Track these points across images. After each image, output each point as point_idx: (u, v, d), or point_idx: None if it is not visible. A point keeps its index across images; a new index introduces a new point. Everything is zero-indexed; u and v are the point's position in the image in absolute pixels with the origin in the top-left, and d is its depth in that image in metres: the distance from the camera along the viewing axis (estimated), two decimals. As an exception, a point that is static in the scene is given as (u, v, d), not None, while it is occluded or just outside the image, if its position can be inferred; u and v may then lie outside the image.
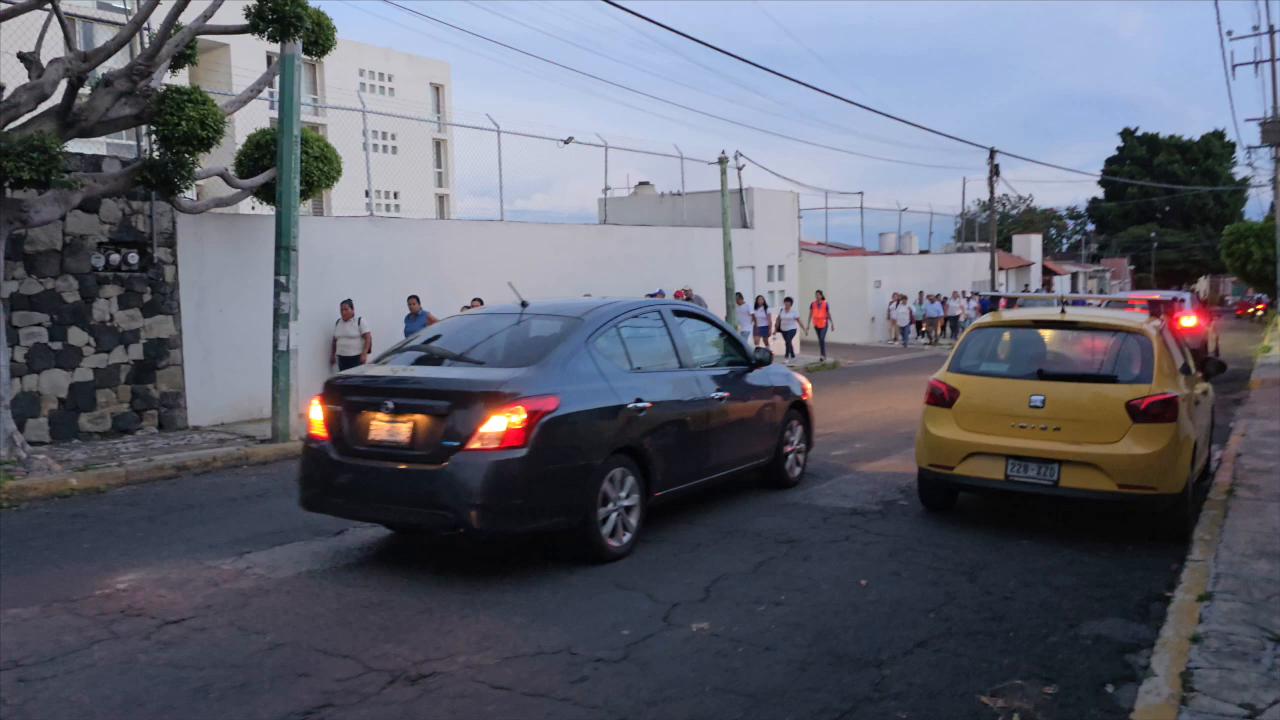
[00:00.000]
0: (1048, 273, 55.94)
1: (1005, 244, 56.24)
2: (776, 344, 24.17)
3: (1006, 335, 7.98)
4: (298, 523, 7.92)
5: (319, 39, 11.92)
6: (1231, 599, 5.44)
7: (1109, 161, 79.72)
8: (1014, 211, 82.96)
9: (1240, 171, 74.23)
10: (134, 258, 12.46)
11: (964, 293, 36.44)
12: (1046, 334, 7.82)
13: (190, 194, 13.38)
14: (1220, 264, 58.16)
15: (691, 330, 8.38)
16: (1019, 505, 8.13)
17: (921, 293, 34.40)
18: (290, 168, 11.88)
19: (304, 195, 13.04)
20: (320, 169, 12.87)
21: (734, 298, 21.99)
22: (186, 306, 13.06)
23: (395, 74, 52.04)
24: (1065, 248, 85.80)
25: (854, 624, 5.41)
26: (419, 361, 7.37)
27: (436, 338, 7.75)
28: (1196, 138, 76.50)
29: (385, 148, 50.75)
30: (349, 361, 14.37)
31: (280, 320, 11.97)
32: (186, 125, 9.91)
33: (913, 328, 32.44)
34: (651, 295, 17.98)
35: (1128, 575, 6.40)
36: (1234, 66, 30.01)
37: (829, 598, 5.89)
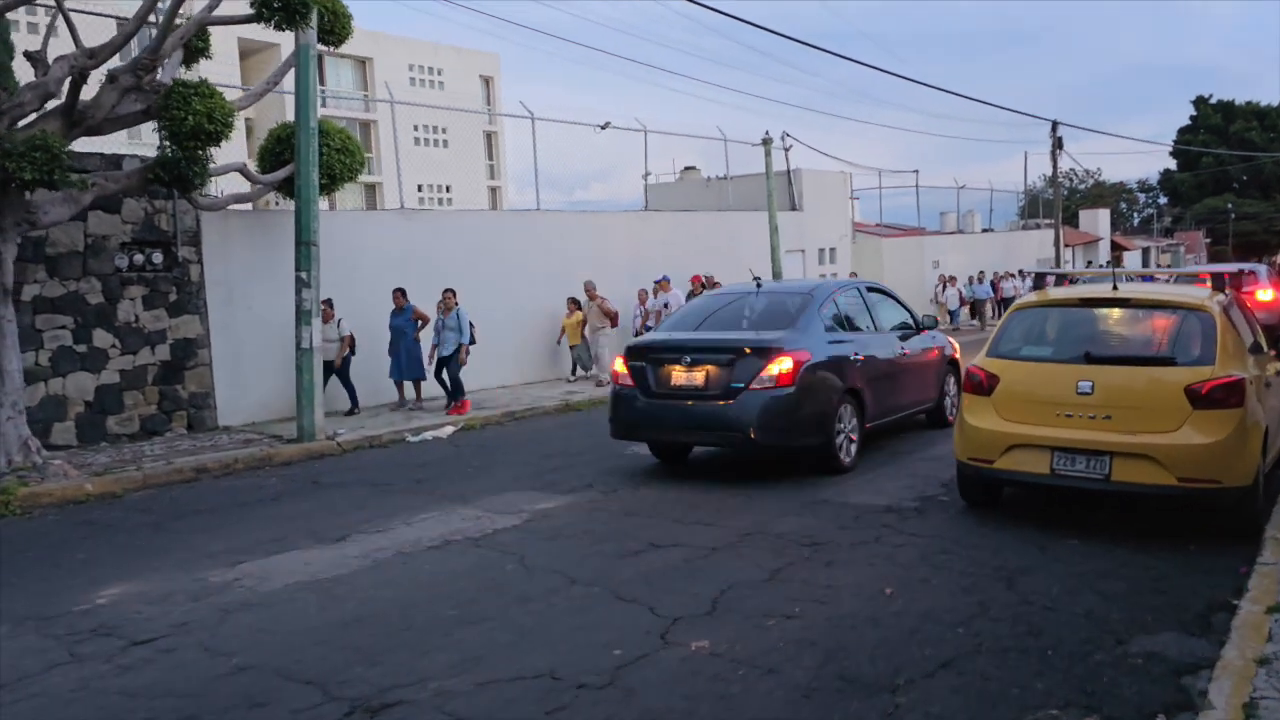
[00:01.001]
0: (1116, 248, 53.92)
1: (1072, 220, 54.40)
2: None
3: (1051, 315, 7.30)
4: (302, 528, 7.61)
5: (334, 28, 11.60)
6: (1305, 611, 4.78)
7: (1181, 131, 76.65)
8: (1082, 186, 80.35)
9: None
10: (158, 257, 12.32)
11: (1017, 272, 34.73)
12: (1096, 313, 7.13)
13: (214, 190, 13.20)
14: (1303, 234, 55.69)
15: (877, 300, 10.68)
16: (1069, 500, 7.46)
17: (975, 274, 33.15)
18: (308, 161, 11.59)
19: (327, 189, 12.77)
20: (342, 161, 12.56)
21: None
22: (214, 305, 12.90)
23: (445, 67, 52.07)
24: (1137, 222, 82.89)
25: (872, 641, 4.88)
26: (698, 328, 9.52)
27: (699, 309, 10.22)
28: (1275, 103, 73.16)
29: (436, 141, 50.92)
30: (329, 365, 13.01)
31: (302, 317, 11.72)
32: (194, 119, 9.65)
33: (965, 310, 31.30)
34: (658, 281, 17.47)
35: (1188, 580, 5.75)
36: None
37: (848, 609, 5.35)
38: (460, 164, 49.90)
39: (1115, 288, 7.18)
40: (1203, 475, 6.22)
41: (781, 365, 8.42)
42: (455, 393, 13.80)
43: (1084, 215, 53.35)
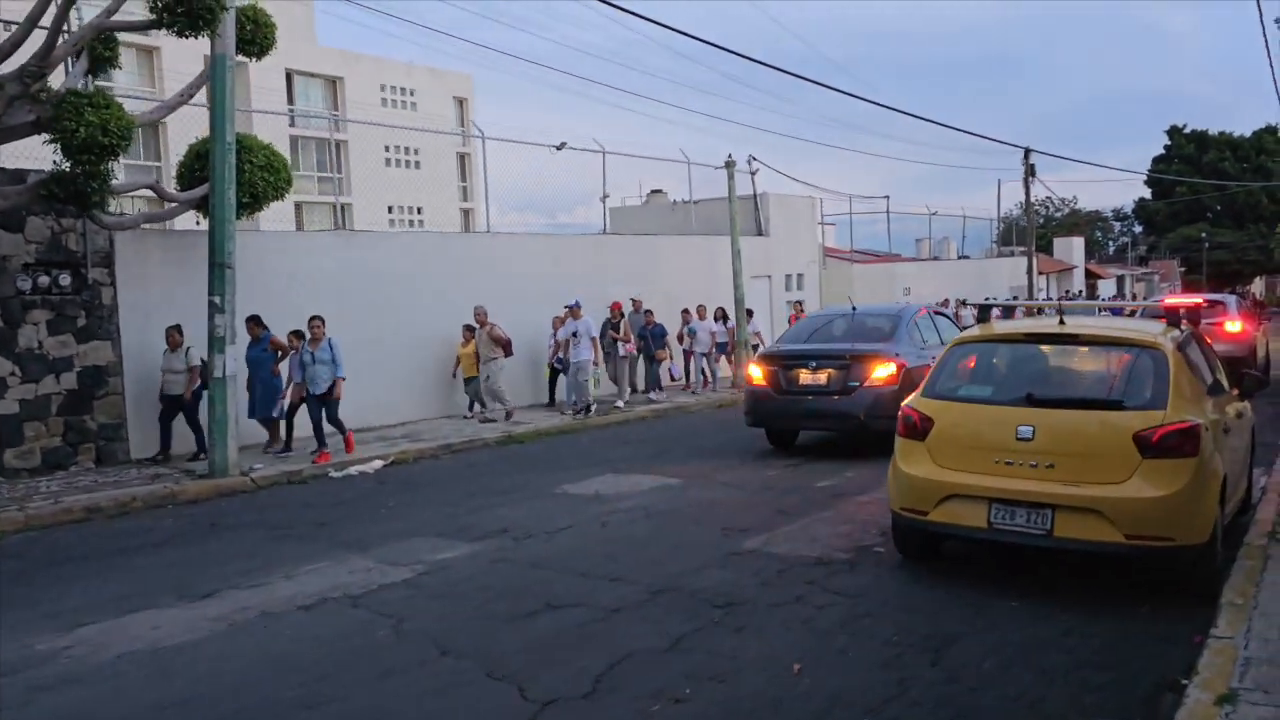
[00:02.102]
0: (1091, 276, 53.85)
1: (1046, 248, 54.24)
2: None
3: (993, 352, 6.69)
4: (172, 581, 6.88)
5: (255, 38, 10.96)
6: (1263, 702, 4.15)
7: (1156, 160, 76.93)
8: (1058, 214, 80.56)
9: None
10: (65, 279, 11.56)
11: (959, 301, 32.60)
12: (1040, 350, 6.53)
13: (132, 209, 12.48)
14: (1276, 264, 55.66)
15: (941, 321, 12.90)
16: (1016, 553, 6.83)
17: (938, 302, 32.37)
18: (224, 178, 10.91)
19: (250, 208, 12.09)
20: (266, 179, 11.88)
21: (743, 311, 20.69)
22: (127, 330, 12.13)
23: (418, 88, 51.50)
24: (1112, 250, 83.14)
25: (766, 733, 4.21)
26: (809, 340, 12.30)
27: (807, 326, 13.16)
28: (1248, 134, 73.60)
29: (408, 162, 50.29)
30: (172, 401, 11.76)
31: (215, 344, 10.98)
32: (85, 131, 8.96)
33: None
34: (569, 307, 15.75)
35: (1137, 651, 5.12)
36: (1283, 54, 28.22)
37: (749, 689, 4.68)
38: (433, 185, 49.36)
39: (1061, 322, 6.59)
40: (1153, 532, 5.60)
41: (888, 368, 10.95)
42: (321, 438, 11.92)
43: (1058, 243, 53.29)
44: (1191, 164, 71.99)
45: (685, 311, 18.91)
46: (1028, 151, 37.38)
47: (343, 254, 14.62)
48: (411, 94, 50.94)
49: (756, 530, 7.83)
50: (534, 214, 33.42)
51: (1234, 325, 16.37)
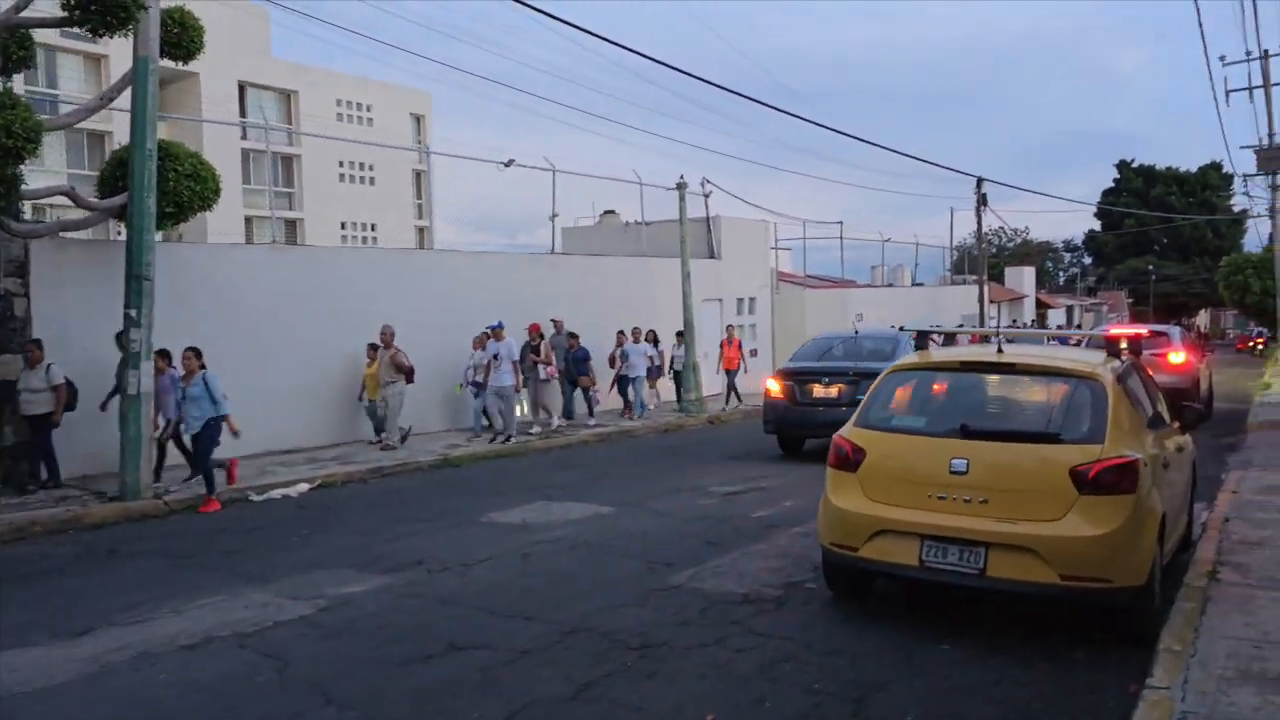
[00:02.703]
0: (1041, 306, 54.46)
1: (999, 277, 54.81)
2: (666, 386, 20.24)
3: (928, 380, 6.42)
4: (51, 615, 6.38)
5: (181, 40, 10.54)
6: (1198, 763, 3.86)
7: (1105, 193, 78.36)
8: (1010, 244, 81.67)
9: (1240, 202, 72.76)
10: (-28, 289, 10.97)
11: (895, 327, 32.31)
12: (977, 380, 6.27)
13: (58, 215, 11.90)
14: (1220, 296, 56.76)
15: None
16: (951, 591, 6.53)
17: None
18: (144, 185, 10.42)
19: (175, 219, 11.60)
20: (191, 188, 11.39)
21: (691, 332, 20.41)
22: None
23: (374, 103, 50.84)
24: (1062, 281, 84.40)
25: (666, 796, 3.84)
26: (821, 358, 13.89)
27: (819, 347, 14.54)
28: (1194, 169, 75.23)
29: (362, 179, 49.62)
30: (38, 421, 10.80)
31: (130, 360, 10.47)
32: (-14, 133, 8.46)
33: None
34: (491, 328, 14.97)
35: (1070, 701, 4.83)
36: (1228, 92, 28.76)
37: (654, 744, 4.31)
38: (387, 201, 48.71)
39: (1000, 350, 6.34)
40: (1089, 573, 5.33)
41: None
42: (209, 484, 10.47)
43: (1009, 272, 53.86)
44: (1139, 197, 73.40)
45: (620, 334, 18.33)
46: (980, 181, 37.71)
47: (277, 269, 14.11)
48: (368, 109, 50.28)
49: (684, 564, 7.47)
50: (495, 233, 33.10)
51: (1177, 357, 16.38)
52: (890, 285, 38.51)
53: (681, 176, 21.02)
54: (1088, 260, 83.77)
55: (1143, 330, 18.06)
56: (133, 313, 10.46)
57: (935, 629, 5.86)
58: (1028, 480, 5.52)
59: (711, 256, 24.95)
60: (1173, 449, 6.69)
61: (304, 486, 11.52)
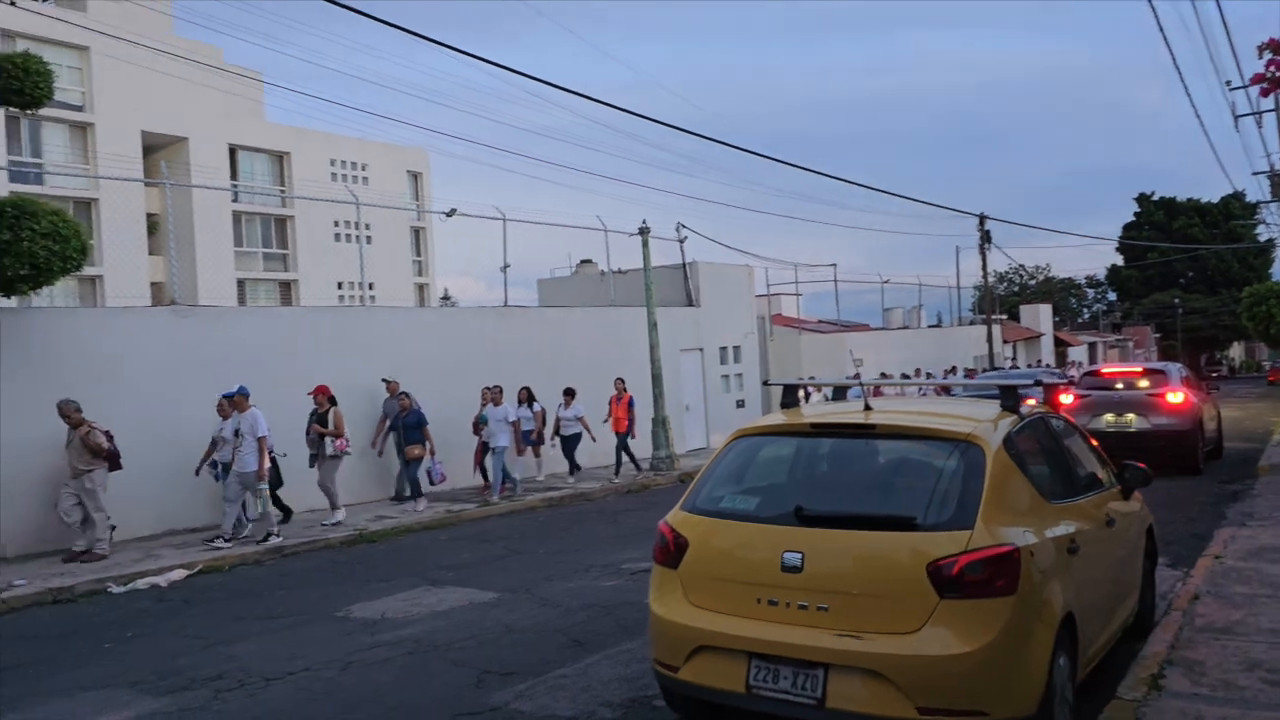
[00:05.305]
0: (1060, 344, 52.73)
1: (1018, 315, 53.24)
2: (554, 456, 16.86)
3: (772, 448, 5.15)
4: None
5: (23, 87, 9.63)
6: None
7: (1127, 227, 76.70)
8: (1031, 281, 79.96)
9: (1264, 231, 70.74)
10: None
11: (762, 382, 25.97)
12: (828, 446, 5.00)
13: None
14: (1247, 329, 54.54)
15: None
16: None
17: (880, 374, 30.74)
18: (-18, 248, 9.48)
19: (34, 282, 10.63)
20: (49, 249, 10.39)
21: (660, 385, 19.17)
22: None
23: (370, 162, 50.56)
24: (1086, 317, 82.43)
25: None
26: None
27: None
28: (1215, 200, 73.43)
29: (359, 238, 49.15)
30: None
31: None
32: None
33: None
34: (227, 396, 11.96)
35: None
36: (1236, 118, 27.35)
37: None
38: (385, 260, 48.10)
39: (867, 406, 5.08)
40: (955, 704, 4.02)
41: None
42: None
43: (1025, 310, 52.29)
44: (1161, 230, 71.75)
45: (484, 391, 15.11)
46: (982, 218, 36.53)
47: (176, 333, 13.07)
48: (364, 168, 50.01)
49: (525, 673, 6.20)
50: (493, 286, 32.18)
51: (1175, 396, 14.92)
52: (905, 327, 37.07)
53: (644, 221, 19.93)
54: (1111, 296, 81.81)
55: (1137, 368, 16.74)
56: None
57: (780, 771, 4.54)
58: (876, 580, 4.23)
59: (690, 304, 23.81)
60: (1098, 523, 5.37)
61: (179, 574, 10.35)
